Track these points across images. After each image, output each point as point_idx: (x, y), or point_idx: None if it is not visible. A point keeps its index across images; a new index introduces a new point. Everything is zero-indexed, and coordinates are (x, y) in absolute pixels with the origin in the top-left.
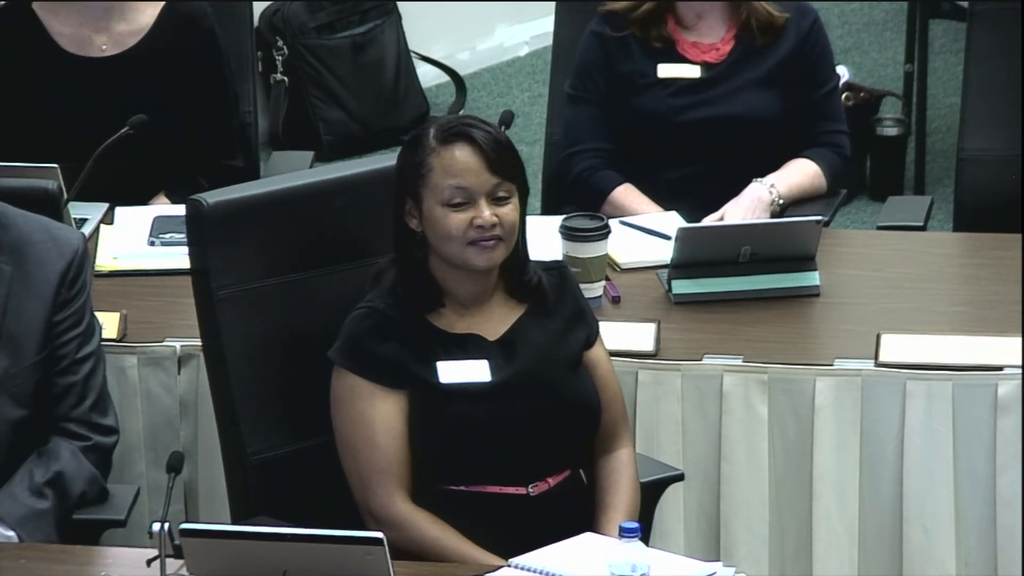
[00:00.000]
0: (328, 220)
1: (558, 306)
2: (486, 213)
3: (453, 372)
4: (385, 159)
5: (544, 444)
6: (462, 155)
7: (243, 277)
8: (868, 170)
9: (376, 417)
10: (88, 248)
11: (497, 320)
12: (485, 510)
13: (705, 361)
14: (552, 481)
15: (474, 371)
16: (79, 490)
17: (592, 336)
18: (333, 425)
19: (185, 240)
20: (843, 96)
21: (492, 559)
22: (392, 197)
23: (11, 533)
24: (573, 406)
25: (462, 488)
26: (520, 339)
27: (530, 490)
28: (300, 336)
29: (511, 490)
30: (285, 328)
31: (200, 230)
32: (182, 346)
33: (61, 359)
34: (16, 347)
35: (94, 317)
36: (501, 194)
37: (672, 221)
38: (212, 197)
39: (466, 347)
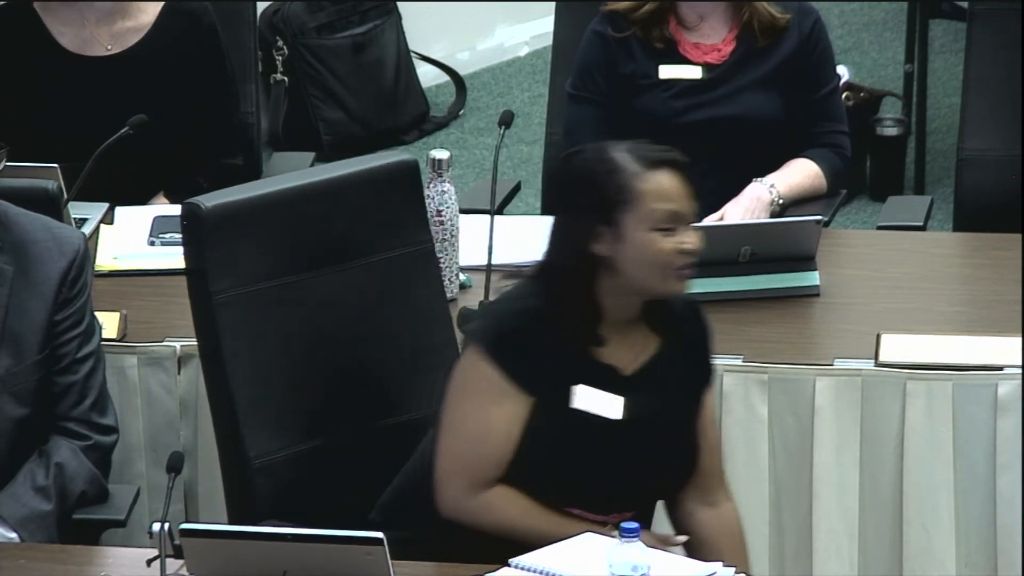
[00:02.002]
0: (323, 221)
1: (690, 345)
2: (692, 239)
3: (588, 400)
4: (373, 158)
5: (644, 485)
6: (671, 181)
7: (241, 281)
8: (868, 170)
9: (497, 416)
10: (89, 248)
11: (634, 352)
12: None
13: None
14: (629, 514)
15: (607, 405)
16: (79, 489)
17: (711, 380)
18: (447, 400)
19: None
20: (843, 96)
21: (577, 524)
22: (566, 224)
23: (13, 535)
24: (681, 455)
25: (548, 501)
26: (651, 379)
27: (608, 520)
28: (298, 338)
29: (593, 517)
30: (283, 330)
31: (197, 234)
32: (182, 346)
33: (61, 358)
34: (18, 346)
35: (94, 317)
36: (693, 223)
37: None
38: (209, 200)
39: (603, 378)
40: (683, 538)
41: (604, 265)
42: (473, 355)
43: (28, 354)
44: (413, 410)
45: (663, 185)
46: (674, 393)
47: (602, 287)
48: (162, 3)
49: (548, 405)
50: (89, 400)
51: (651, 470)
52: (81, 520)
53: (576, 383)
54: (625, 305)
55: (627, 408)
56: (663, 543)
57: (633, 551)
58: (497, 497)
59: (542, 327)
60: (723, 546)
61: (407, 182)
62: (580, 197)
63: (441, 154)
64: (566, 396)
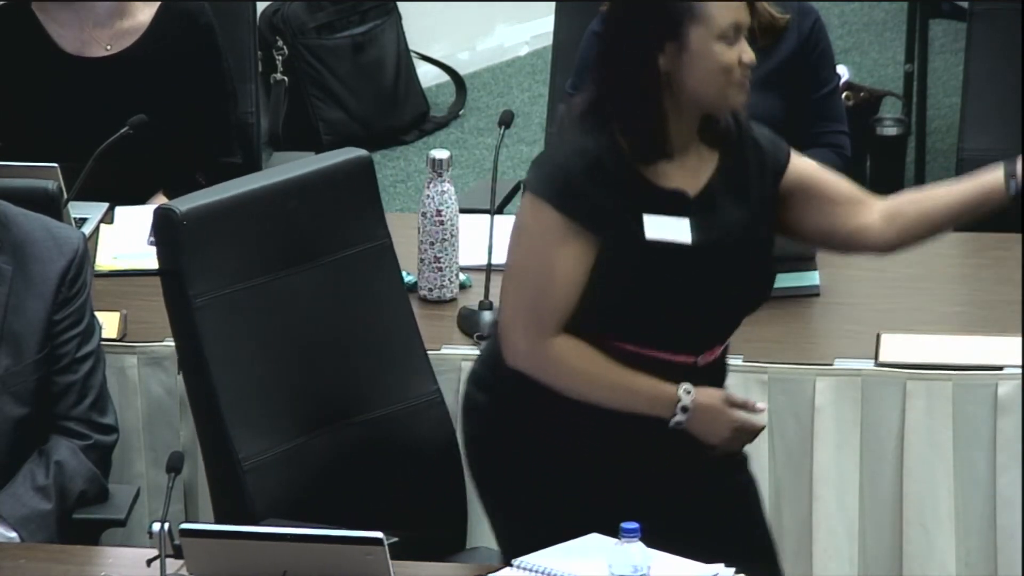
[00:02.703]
0: (291, 220)
1: (745, 152)
2: (749, 51)
3: (659, 228)
4: (328, 156)
5: (726, 315)
6: None
7: (219, 283)
8: (868, 170)
9: (560, 259)
10: (88, 247)
11: (695, 172)
12: (650, 374)
13: None
14: (717, 351)
15: (677, 230)
16: (79, 489)
17: (780, 165)
18: (509, 251)
19: None
20: (843, 96)
21: (655, 384)
22: (628, 43)
23: (13, 534)
24: (758, 275)
25: (631, 347)
26: (717, 196)
27: (699, 360)
28: (278, 336)
29: (681, 358)
30: (260, 330)
31: (173, 239)
32: None
33: (61, 358)
34: (17, 345)
35: (94, 317)
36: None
37: None
38: (182, 205)
39: (671, 203)
40: (763, 405)
41: (666, 82)
42: (533, 203)
43: (27, 353)
44: (390, 404)
45: None
46: (742, 205)
47: (664, 106)
48: (159, 3)
49: (618, 241)
50: (89, 400)
51: (734, 292)
52: (81, 520)
53: (643, 214)
54: (685, 124)
55: (698, 230)
56: (743, 406)
57: (633, 551)
58: (563, 344)
59: (601, 162)
60: (912, 213)
61: (362, 178)
62: (644, 13)
63: (441, 154)
64: (635, 229)
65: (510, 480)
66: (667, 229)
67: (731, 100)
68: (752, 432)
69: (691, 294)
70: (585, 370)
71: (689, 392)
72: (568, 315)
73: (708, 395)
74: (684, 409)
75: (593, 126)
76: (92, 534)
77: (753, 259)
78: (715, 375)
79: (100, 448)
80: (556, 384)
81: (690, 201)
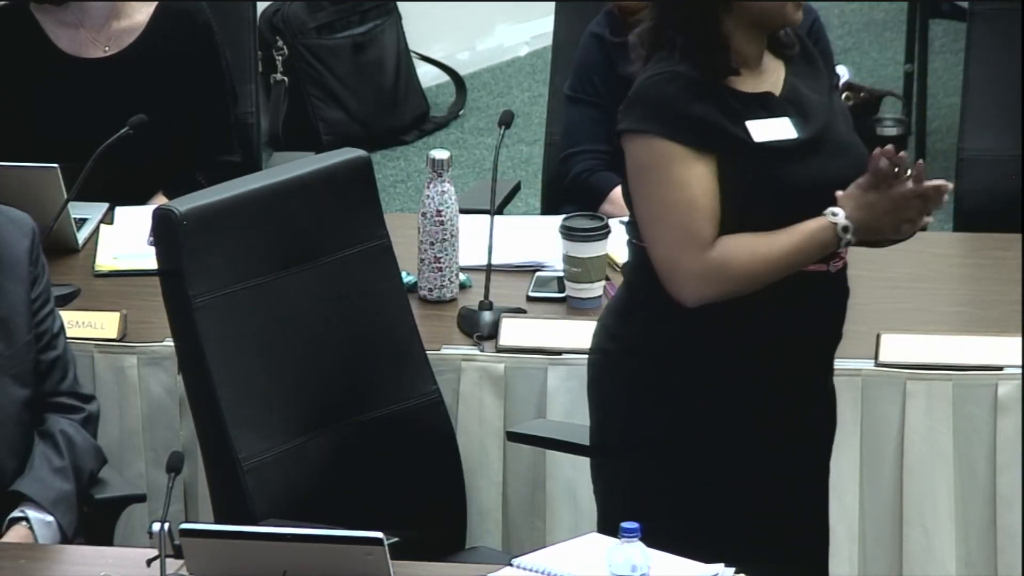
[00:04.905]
0: (290, 220)
1: (804, 57)
2: None
3: (764, 131)
4: (327, 156)
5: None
6: None
7: (218, 283)
8: None
9: (694, 179)
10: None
11: (772, 76)
12: (786, 287)
13: None
14: (845, 257)
15: (781, 129)
16: (89, 467)
17: (835, 78)
18: (636, 194)
19: None
20: (843, 96)
21: (807, 227)
22: None
23: (50, 518)
24: (860, 161)
25: None
26: (799, 94)
27: (831, 267)
28: (278, 336)
29: (815, 267)
30: (260, 330)
31: (173, 239)
32: None
33: (43, 335)
34: (7, 329)
35: None
36: None
37: None
38: (182, 205)
39: (764, 105)
40: (906, 154)
41: (725, 4)
42: (642, 141)
43: (19, 335)
44: (389, 404)
45: None
46: (821, 93)
47: (728, 25)
48: (156, 3)
49: (731, 153)
50: (71, 372)
51: (844, 183)
52: (104, 499)
53: (744, 121)
54: (753, 40)
55: (797, 125)
56: (884, 181)
57: (633, 551)
58: (723, 244)
59: (692, 80)
60: None
61: (361, 178)
62: None
63: (441, 154)
64: (744, 137)
65: (636, 431)
66: (772, 130)
67: (789, 16)
68: (915, 197)
69: (810, 190)
70: (753, 253)
71: (836, 213)
72: (717, 223)
73: (849, 198)
74: (845, 229)
75: (667, 52)
76: (114, 512)
77: (850, 144)
78: (845, 286)
79: (92, 418)
80: (741, 284)
81: (777, 99)
